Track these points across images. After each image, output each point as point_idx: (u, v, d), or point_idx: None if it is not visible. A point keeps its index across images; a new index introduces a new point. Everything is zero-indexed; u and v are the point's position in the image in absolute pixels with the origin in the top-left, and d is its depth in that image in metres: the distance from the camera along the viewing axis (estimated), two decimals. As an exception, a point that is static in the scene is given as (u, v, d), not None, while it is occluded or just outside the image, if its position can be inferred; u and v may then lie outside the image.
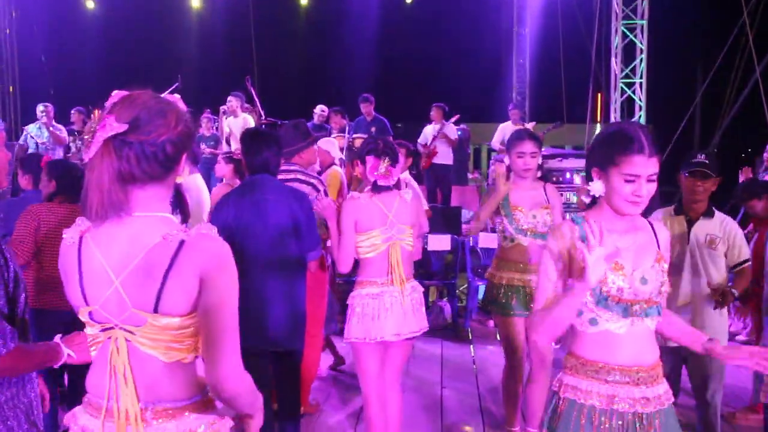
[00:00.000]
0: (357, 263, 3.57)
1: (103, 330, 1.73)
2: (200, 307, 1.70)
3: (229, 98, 9.32)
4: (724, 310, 3.57)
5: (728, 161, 11.53)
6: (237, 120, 9.26)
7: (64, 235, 1.77)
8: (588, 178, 2.23)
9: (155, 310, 1.68)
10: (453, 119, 9.93)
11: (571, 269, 2.15)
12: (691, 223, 3.59)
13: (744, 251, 3.59)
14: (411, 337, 3.52)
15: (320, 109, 10.25)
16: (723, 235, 3.55)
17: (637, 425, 2.12)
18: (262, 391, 1.87)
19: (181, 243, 1.68)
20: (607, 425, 2.12)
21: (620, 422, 2.12)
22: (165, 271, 1.66)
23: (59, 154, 9.12)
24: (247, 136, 3.71)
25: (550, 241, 2.20)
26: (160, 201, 1.75)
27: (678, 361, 3.66)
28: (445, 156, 9.87)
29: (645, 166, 2.08)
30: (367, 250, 3.47)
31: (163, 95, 1.78)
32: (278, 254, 3.51)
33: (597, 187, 2.17)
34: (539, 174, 4.15)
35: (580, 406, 2.15)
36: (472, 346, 6.24)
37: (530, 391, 3.92)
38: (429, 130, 10.04)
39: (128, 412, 1.70)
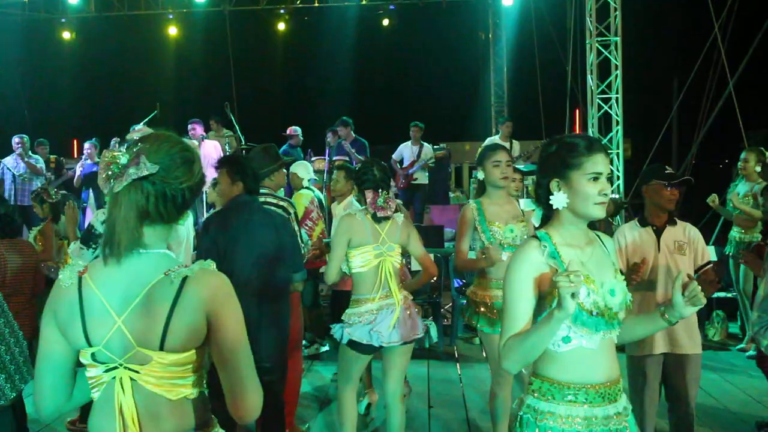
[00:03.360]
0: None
1: (107, 371, 1.71)
2: (213, 342, 1.72)
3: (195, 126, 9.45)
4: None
5: (706, 173, 11.68)
6: (204, 145, 9.32)
7: (60, 277, 1.76)
8: (543, 195, 2.18)
9: (161, 348, 1.67)
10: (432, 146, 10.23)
11: (542, 291, 2.07)
12: (658, 233, 3.73)
13: (707, 254, 3.78)
14: (409, 342, 3.68)
15: (292, 130, 10.26)
16: (688, 241, 3.73)
17: None
18: None
19: (185, 279, 1.69)
20: None
21: None
22: (170, 308, 1.67)
23: (37, 184, 9.04)
24: (230, 160, 3.76)
25: (520, 263, 2.10)
26: (163, 239, 1.78)
27: (660, 367, 3.74)
28: (421, 176, 10.11)
29: (604, 163, 2.11)
30: (360, 265, 3.66)
31: (141, 124, 1.81)
32: (265, 277, 3.52)
33: (560, 198, 2.11)
34: (517, 189, 4.15)
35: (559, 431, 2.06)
36: (458, 364, 6.20)
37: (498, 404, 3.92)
38: (406, 149, 10.25)
39: None
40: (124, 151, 1.70)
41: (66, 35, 14.16)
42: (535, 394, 2.12)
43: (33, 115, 12.36)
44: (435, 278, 6.92)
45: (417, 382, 5.63)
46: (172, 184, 1.72)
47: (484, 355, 6.18)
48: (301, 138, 10.21)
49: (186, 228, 4.65)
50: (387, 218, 3.73)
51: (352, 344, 3.66)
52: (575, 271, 1.86)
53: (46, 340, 1.77)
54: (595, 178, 2.08)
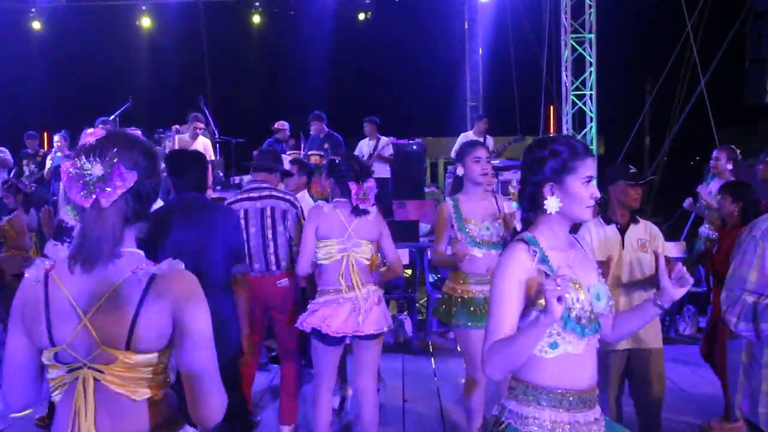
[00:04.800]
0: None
1: (71, 371, 1.67)
2: (177, 342, 1.69)
3: (197, 123, 9.10)
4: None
5: (678, 170, 11.83)
6: (197, 142, 9.06)
7: (26, 275, 1.72)
8: (527, 201, 2.17)
9: (127, 347, 1.64)
10: (389, 138, 10.11)
11: (529, 295, 2.05)
12: (622, 231, 3.80)
13: (667, 252, 3.92)
14: (375, 335, 3.68)
15: (280, 124, 10.12)
16: (649, 238, 3.81)
17: None
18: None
19: (152, 277, 1.66)
20: None
21: None
22: (137, 307, 1.64)
23: (3, 176, 8.87)
24: (172, 156, 3.79)
25: (509, 267, 2.06)
26: (131, 238, 1.75)
27: (624, 362, 3.80)
28: (381, 170, 9.98)
29: (593, 168, 2.13)
30: (323, 257, 3.71)
31: (112, 117, 1.78)
32: (216, 271, 3.49)
33: (554, 203, 2.08)
34: (491, 185, 4.15)
35: None
36: (433, 359, 6.22)
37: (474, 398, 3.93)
38: (364, 145, 10.16)
39: None
40: (93, 160, 1.64)
41: (35, 25, 13.89)
42: (519, 398, 2.09)
43: (1, 107, 12.11)
44: (403, 276, 7.04)
45: (392, 376, 5.63)
46: (145, 184, 1.70)
47: (459, 349, 6.22)
48: (288, 133, 10.03)
49: None
50: (366, 212, 3.72)
51: (318, 336, 3.68)
52: (562, 276, 1.84)
53: (12, 339, 1.73)
54: (588, 182, 2.10)
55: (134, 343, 1.64)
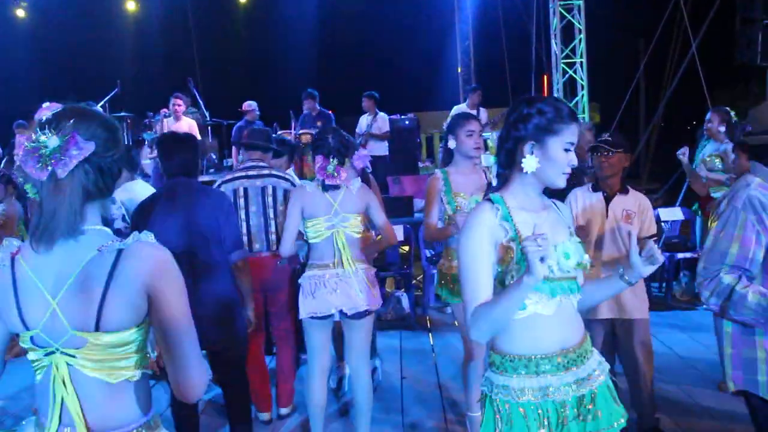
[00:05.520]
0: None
1: (46, 354, 1.65)
2: (154, 319, 1.65)
3: (176, 100, 9.07)
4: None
5: (673, 134, 11.78)
6: (180, 123, 9.00)
7: None
8: (505, 157, 2.13)
9: (96, 328, 1.61)
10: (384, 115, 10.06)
11: (498, 254, 2.02)
12: (608, 200, 3.82)
13: (653, 227, 3.86)
14: (363, 314, 3.65)
15: (247, 105, 9.97)
16: (637, 211, 3.81)
17: (577, 406, 2.04)
18: None
19: (119, 252, 1.62)
20: (547, 414, 2.02)
21: (560, 409, 2.03)
22: (104, 285, 1.59)
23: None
24: (164, 140, 3.72)
25: (475, 227, 2.03)
26: (97, 215, 1.70)
27: (608, 331, 3.85)
28: (378, 148, 9.94)
29: (576, 135, 2.09)
30: (313, 236, 3.68)
31: (101, 104, 1.74)
32: (205, 256, 3.48)
33: (531, 162, 2.04)
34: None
35: (517, 405, 2.03)
36: (430, 334, 6.23)
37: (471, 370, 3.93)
38: (363, 121, 10.18)
39: None
40: (49, 132, 1.60)
41: (20, 13, 13.75)
42: (492, 368, 2.11)
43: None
44: (401, 246, 7.03)
45: (389, 353, 5.65)
46: (106, 157, 1.66)
47: (456, 324, 6.23)
48: (257, 112, 9.87)
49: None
50: (335, 187, 3.66)
51: (304, 320, 3.69)
52: (541, 235, 1.82)
53: None
54: (568, 149, 2.06)
55: (104, 323, 1.61)
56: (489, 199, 2.10)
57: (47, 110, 1.66)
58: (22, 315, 1.64)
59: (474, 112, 9.46)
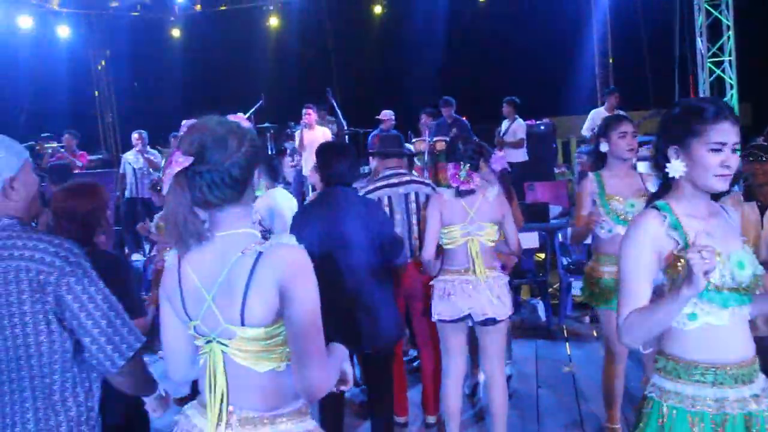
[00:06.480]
0: None
1: (206, 342, 1.86)
2: (285, 316, 1.78)
3: (307, 110, 9.49)
4: None
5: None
6: (314, 132, 9.40)
7: (165, 260, 1.93)
8: (661, 162, 2.08)
9: (242, 323, 1.77)
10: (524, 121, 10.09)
11: (662, 264, 2.00)
12: (763, 210, 3.56)
13: None
14: (497, 322, 3.68)
15: (384, 114, 10.17)
16: None
17: (746, 425, 1.97)
18: None
19: (259, 255, 1.77)
20: (720, 430, 1.96)
21: (732, 425, 1.96)
22: (246, 284, 1.75)
23: (152, 177, 9.54)
24: (322, 149, 3.83)
25: (639, 234, 2.02)
26: (241, 218, 1.85)
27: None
28: (514, 155, 9.89)
29: (730, 133, 1.98)
30: (448, 242, 3.76)
31: (231, 116, 1.88)
32: (359, 262, 3.56)
33: (677, 167, 2.00)
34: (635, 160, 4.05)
35: (687, 413, 1.98)
36: (567, 343, 6.12)
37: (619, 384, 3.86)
38: (504, 126, 10.30)
39: (221, 418, 1.82)
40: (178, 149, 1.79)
41: (175, 33, 14.88)
42: (661, 373, 2.07)
43: (148, 111, 13.02)
44: (536, 254, 6.94)
45: (525, 362, 5.62)
46: (214, 167, 1.77)
47: (594, 334, 6.09)
48: (393, 121, 10.09)
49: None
50: (470, 192, 3.70)
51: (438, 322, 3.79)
52: (707, 247, 1.78)
53: (165, 314, 1.95)
54: (718, 149, 1.97)
55: (247, 319, 1.77)
56: (655, 206, 2.06)
57: (184, 127, 1.85)
58: (186, 308, 1.85)
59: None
